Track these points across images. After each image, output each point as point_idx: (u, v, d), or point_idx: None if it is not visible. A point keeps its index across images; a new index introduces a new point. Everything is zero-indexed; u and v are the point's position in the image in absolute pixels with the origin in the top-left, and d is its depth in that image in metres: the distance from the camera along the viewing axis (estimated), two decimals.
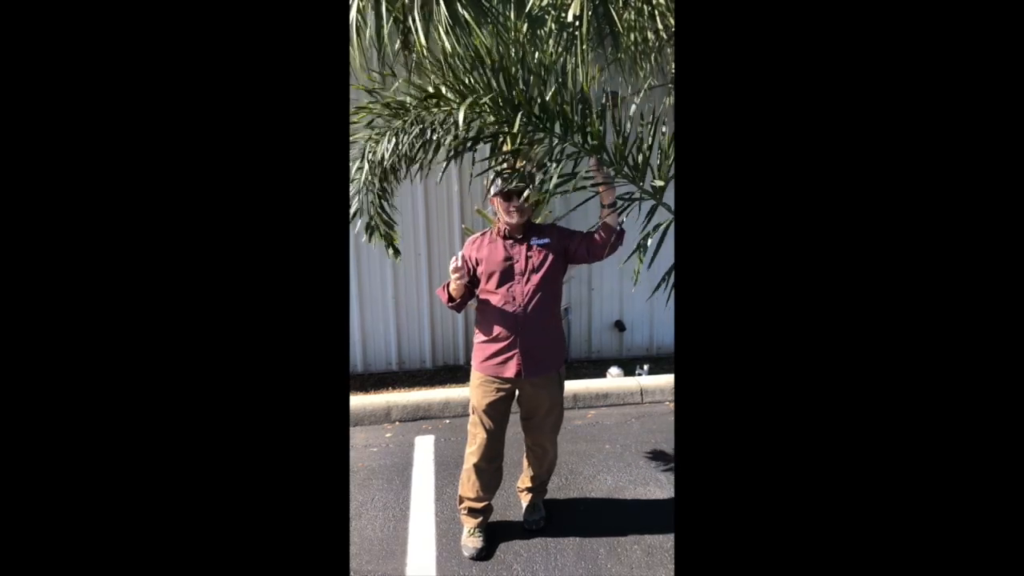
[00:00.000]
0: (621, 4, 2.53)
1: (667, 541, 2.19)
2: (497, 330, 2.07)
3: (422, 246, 4.01)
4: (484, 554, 2.15)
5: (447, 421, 3.40)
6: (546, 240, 2.09)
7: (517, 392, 2.14)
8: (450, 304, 2.11)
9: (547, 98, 1.71)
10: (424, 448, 3.06)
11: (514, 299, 2.05)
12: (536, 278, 2.05)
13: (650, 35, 2.57)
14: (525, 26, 2.93)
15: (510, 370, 2.07)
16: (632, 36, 2.53)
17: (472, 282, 2.12)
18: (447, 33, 2.45)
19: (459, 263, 2.02)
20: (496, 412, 2.12)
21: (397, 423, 3.41)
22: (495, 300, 2.06)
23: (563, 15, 2.46)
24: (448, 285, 2.07)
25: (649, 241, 1.55)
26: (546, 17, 2.70)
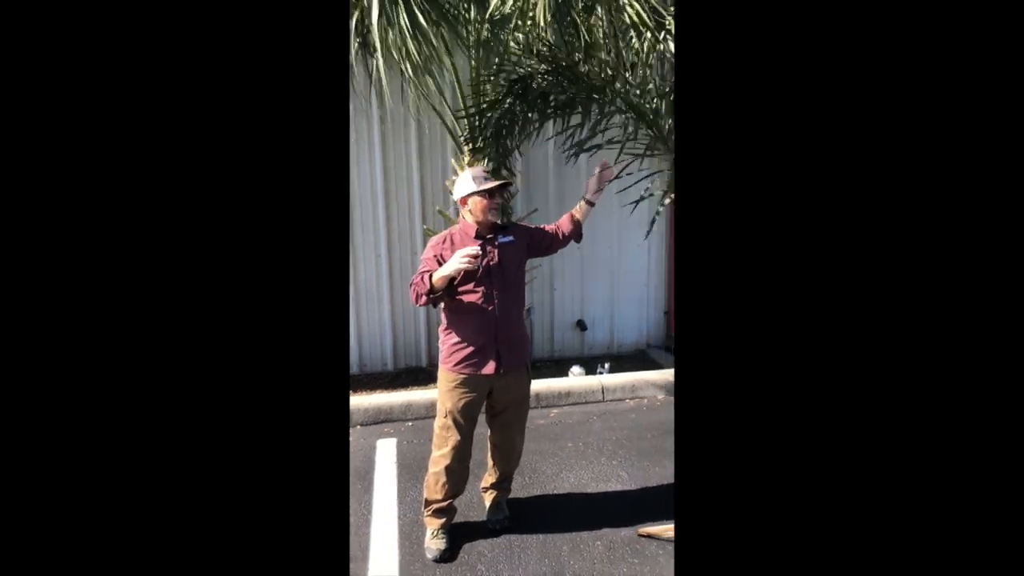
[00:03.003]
0: (581, 8, 2.56)
1: (628, 535, 2.23)
2: (474, 329, 2.06)
3: (382, 247, 3.97)
4: (448, 556, 2.14)
5: (409, 424, 3.37)
6: (511, 238, 2.13)
7: (490, 390, 2.15)
8: (430, 296, 1.99)
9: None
10: (386, 451, 3.02)
11: (490, 297, 2.05)
12: (508, 275, 2.10)
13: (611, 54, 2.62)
14: (485, 29, 2.94)
15: (489, 367, 2.08)
16: (596, 33, 2.57)
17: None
18: (412, 36, 2.44)
19: (477, 251, 1.95)
20: (471, 413, 2.13)
21: (359, 427, 3.35)
22: (471, 299, 2.05)
23: (529, 20, 2.48)
24: (428, 276, 1.98)
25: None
26: (510, 19, 2.71)
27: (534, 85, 2.64)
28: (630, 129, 2.49)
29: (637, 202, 2.48)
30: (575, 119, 2.83)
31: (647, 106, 2.33)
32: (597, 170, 2.16)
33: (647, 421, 3.36)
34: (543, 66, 2.52)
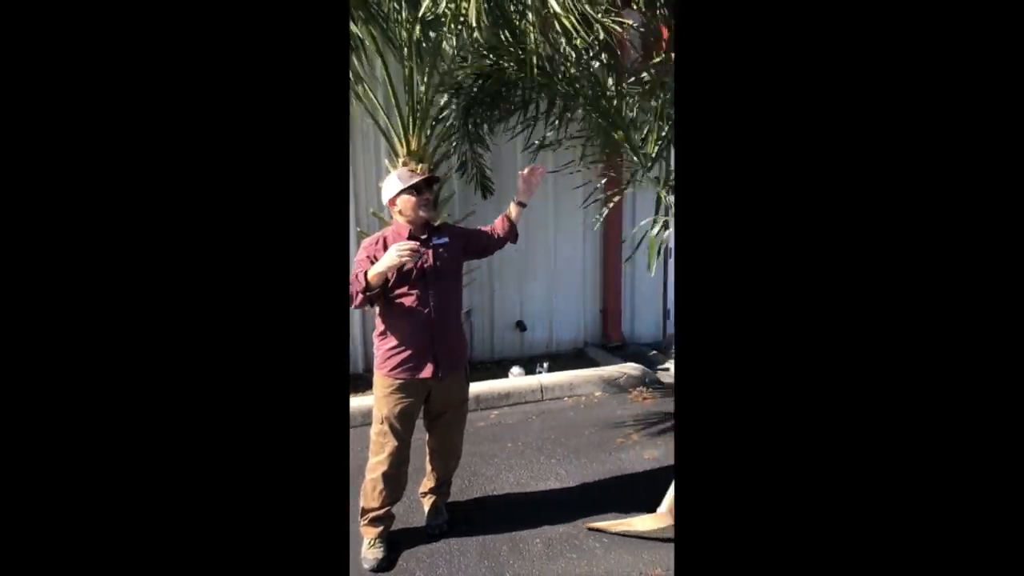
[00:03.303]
0: (513, 11, 2.59)
1: (566, 532, 2.27)
2: (411, 332, 2.04)
3: None
4: (385, 565, 2.10)
5: None
6: (445, 239, 2.12)
7: (428, 394, 2.13)
8: (366, 294, 1.94)
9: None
10: None
11: (426, 300, 2.03)
12: (444, 277, 2.08)
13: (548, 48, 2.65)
14: (418, 28, 2.91)
15: (427, 371, 2.05)
16: (529, 38, 2.60)
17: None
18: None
19: (414, 244, 1.91)
20: (408, 418, 2.10)
21: None
22: (407, 302, 2.02)
23: (461, 21, 2.48)
24: (363, 274, 1.93)
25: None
26: (443, 21, 2.70)
27: (491, 82, 2.70)
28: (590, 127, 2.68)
29: (603, 202, 2.78)
30: (524, 118, 2.93)
31: (611, 108, 2.44)
32: (526, 171, 2.18)
33: (584, 418, 3.44)
34: (508, 63, 2.58)
